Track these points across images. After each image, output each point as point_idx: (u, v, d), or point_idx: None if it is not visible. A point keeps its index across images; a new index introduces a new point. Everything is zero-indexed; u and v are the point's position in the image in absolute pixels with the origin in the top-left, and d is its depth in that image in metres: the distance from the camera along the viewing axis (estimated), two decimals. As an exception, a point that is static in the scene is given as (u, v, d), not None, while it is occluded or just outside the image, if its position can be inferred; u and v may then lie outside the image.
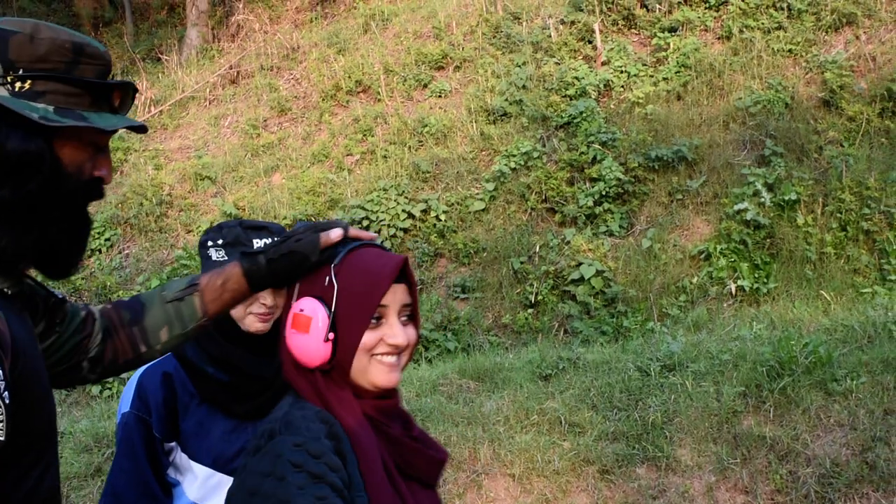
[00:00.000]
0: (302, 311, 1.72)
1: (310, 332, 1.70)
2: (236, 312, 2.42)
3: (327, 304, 1.71)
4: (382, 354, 1.75)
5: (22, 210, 1.54)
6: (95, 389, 8.56)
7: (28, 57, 1.54)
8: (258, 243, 2.45)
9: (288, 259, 1.81)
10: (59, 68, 1.57)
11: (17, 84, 1.53)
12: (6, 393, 1.42)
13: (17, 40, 1.54)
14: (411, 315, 1.82)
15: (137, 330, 1.93)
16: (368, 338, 1.73)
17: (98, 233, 11.01)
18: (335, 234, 1.81)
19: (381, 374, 1.75)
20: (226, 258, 2.44)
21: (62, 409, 8.13)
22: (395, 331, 1.76)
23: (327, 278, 1.73)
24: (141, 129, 1.74)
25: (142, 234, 11.01)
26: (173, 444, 2.45)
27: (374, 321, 1.73)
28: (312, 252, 1.79)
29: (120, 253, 10.87)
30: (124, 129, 1.75)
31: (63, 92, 1.57)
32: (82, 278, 10.38)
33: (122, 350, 1.93)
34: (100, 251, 10.90)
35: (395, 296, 1.77)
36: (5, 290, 1.59)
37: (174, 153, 12.56)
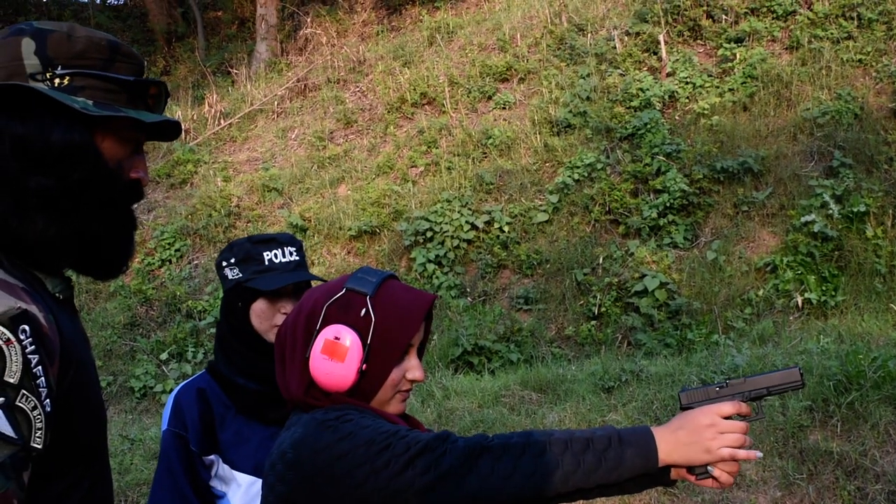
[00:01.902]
0: (338, 339, 1.74)
1: (345, 361, 1.73)
2: (261, 326, 2.47)
3: (363, 336, 1.75)
4: (403, 390, 1.83)
5: (66, 200, 1.57)
6: (165, 398, 8.75)
7: (66, 54, 1.58)
8: (268, 255, 2.48)
9: None
10: (96, 65, 1.61)
11: (57, 80, 1.56)
12: (47, 401, 1.43)
13: (54, 38, 1.58)
14: (420, 349, 1.90)
15: None
16: (394, 373, 1.79)
17: (168, 243, 11.24)
18: None
19: (396, 404, 1.84)
20: (240, 275, 2.48)
21: (133, 417, 8.33)
22: (416, 367, 1.84)
23: (364, 310, 1.77)
24: (175, 126, 1.77)
25: (210, 244, 11.21)
26: (213, 457, 2.49)
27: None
28: None
29: (189, 263, 11.09)
30: (155, 140, 1.81)
31: (101, 88, 1.61)
32: (153, 288, 10.61)
33: None
34: (170, 262, 11.13)
35: (419, 333, 1.85)
36: (57, 294, 1.62)
37: (242, 165, 12.78)
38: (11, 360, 1.37)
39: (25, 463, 1.38)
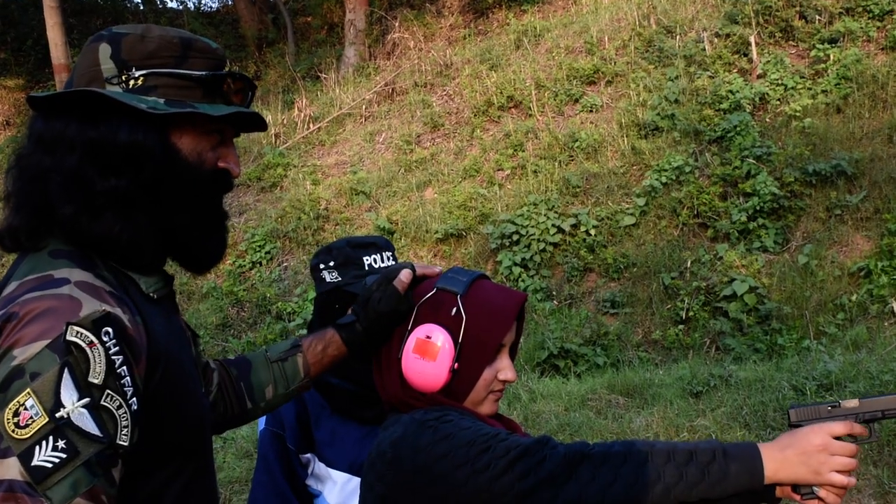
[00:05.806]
0: (429, 338, 1.76)
1: (437, 360, 1.74)
2: None
3: (454, 335, 1.76)
4: (495, 390, 1.83)
5: (141, 198, 1.60)
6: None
7: (139, 55, 1.62)
8: (368, 260, 2.50)
9: (380, 322, 1.88)
10: (168, 63, 1.64)
11: (131, 82, 1.61)
12: (133, 400, 1.48)
13: (128, 41, 1.63)
14: (512, 350, 1.90)
15: (245, 386, 2.01)
16: (487, 373, 1.80)
17: (259, 246, 11.48)
18: (405, 276, 1.88)
19: (489, 404, 1.84)
20: (339, 279, 2.49)
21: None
22: (508, 367, 1.84)
23: (454, 309, 1.78)
24: (257, 118, 1.78)
25: (300, 247, 11.41)
26: (309, 455, 2.53)
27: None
28: (398, 303, 1.86)
29: (279, 266, 11.31)
30: (245, 131, 1.83)
31: (174, 85, 1.63)
32: (244, 290, 10.86)
33: (230, 405, 2.01)
34: (260, 264, 11.37)
35: (511, 333, 1.84)
36: (150, 294, 1.67)
37: (331, 169, 12.97)
38: (95, 361, 1.42)
39: (113, 460, 1.43)
